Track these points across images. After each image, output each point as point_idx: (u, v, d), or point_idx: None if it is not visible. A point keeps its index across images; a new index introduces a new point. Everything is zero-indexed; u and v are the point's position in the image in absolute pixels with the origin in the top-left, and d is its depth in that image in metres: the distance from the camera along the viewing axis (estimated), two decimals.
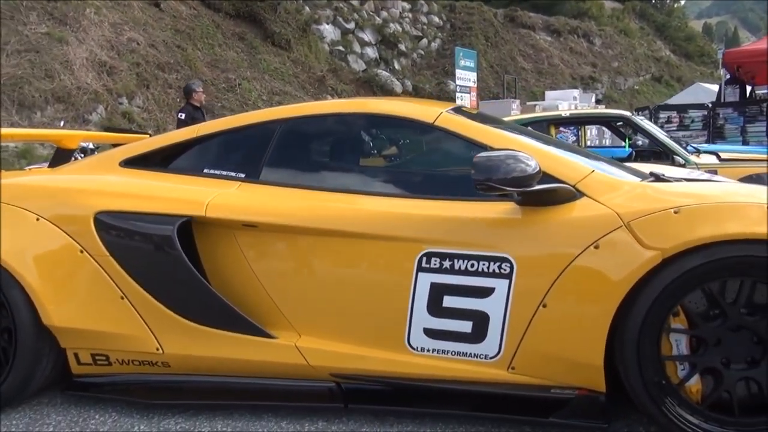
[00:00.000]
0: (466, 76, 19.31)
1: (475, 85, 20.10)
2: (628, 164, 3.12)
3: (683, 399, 1.93)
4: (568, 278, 1.96)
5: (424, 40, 24.52)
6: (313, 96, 18.96)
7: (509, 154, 1.96)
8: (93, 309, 2.29)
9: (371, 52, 22.78)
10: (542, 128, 5.14)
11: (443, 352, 2.11)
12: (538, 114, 5.71)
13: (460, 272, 2.06)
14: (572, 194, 2.06)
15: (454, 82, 19.02)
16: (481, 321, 2.05)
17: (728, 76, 10.28)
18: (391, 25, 23.49)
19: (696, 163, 4.95)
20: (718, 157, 5.09)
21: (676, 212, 1.92)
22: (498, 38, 25.50)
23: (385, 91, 21.45)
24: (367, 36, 22.73)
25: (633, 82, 26.95)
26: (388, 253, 2.14)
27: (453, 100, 18.95)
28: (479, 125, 2.32)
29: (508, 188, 1.93)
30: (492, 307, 2.03)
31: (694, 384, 1.94)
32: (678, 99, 18.17)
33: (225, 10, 18.63)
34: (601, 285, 1.93)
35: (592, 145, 8.40)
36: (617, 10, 31.21)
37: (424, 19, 24.60)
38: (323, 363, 2.20)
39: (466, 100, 18.08)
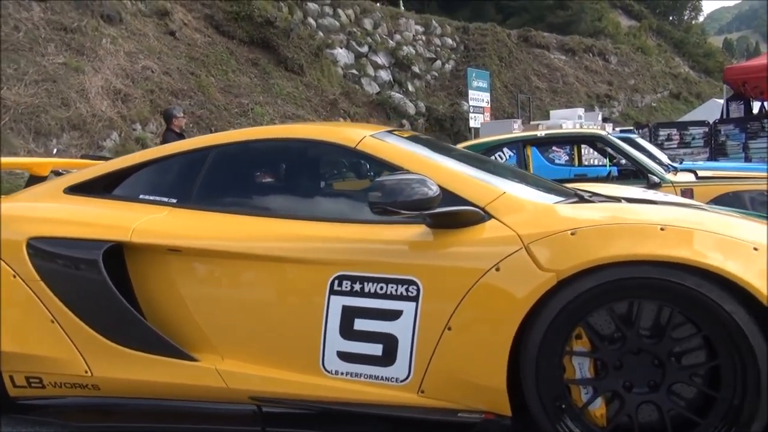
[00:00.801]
0: (479, 97, 19.39)
1: (489, 105, 20.15)
2: (575, 185, 3.12)
3: (585, 423, 1.90)
4: (470, 301, 1.96)
5: (438, 62, 24.70)
6: (326, 119, 19.20)
7: (409, 177, 1.98)
8: (25, 332, 2.35)
9: (385, 75, 23.01)
10: (518, 148, 5.14)
11: (357, 375, 2.12)
12: (513, 135, 5.72)
13: (369, 295, 2.08)
14: (480, 216, 2.07)
15: (467, 102, 19.12)
16: (390, 344, 2.06)
17: (731, 93, 10.14)
18: (405, 47, 23.73)
19: (672, 182, 4.89)
20: (696, 175, 5.03)
21: (572, 234, 1.92)
22: (512, 58, 25.57)
23: (399, 113, 21.62)
24: (381, 59, 22.98)
25: (650, 99, 26.69)
26: (303, 277, 2.17)
27: (467, 120, 19.00)
28: (402, 150, 2.35)
29: (404, 211, 1.95)
30: (400, 330, 2.05)
31: (599, 408, 1.91)
32: (693, 115, 17.96)
33: (239, 37, 19.04)
34: (500, 308, 1.94)
35: (588, 163, 8.34)
36: (634, 27, 31.07)
37: (437, 41, 24.81)
38: (241, 386, 2.23)
39: (479, 120, 18.14)
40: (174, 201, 2.47)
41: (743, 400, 1.78)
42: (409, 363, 2.05)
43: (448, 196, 2.13)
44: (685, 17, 35.78)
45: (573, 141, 5.80)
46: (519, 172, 2.95)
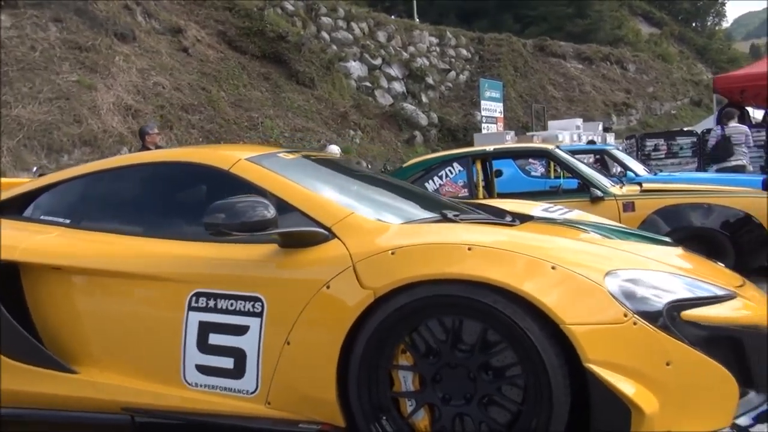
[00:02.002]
0: (491, 107, 19.42)
1: (501, 116, 20.14)
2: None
3: None
4: (304, 317, 2.07)
5: (452, 73, 24.77)
6: (336, 131, 19.43)
7: (248, 200, 2.09)
8: None
9: (398, 87, 23.18)
10: (467, 164, 5.20)
11: (213, 387, 2.23)
12: (462, 150, 5.78)
13: (222, 311, 2.20)
14: (324, 236, 2.17)
15: (480, 113, 19.17)
16: (240, 358, 2.17)
17: (725, 102, 10.00)
18: (419, 59, 23.88)
19: (614, 195, 4.89)
20: (641, 187, 5.02)
21: (392, 253, 2.01)
22: (527, 68, 25.51)
23: (410, 124, 21.72)
24: (394, 71, 23.17)
25: (670, 106, 26.29)
26: (165, 293, 2.30)
27: (480, 130, 19.04)
28: (269, 173, 2.43)
29: (239, 233, 2.06)
30: (248, 344, 2.15)
31: (421, 419, 1.99)
32: (709, 122, 17.66)
33: (251, 52, 19.42)
34: (328, 324, 2.03)
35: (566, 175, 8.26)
36: (655, 35, 30.67)
37: (452, 52, 24.89)
38: (114, 397, 2.36)
39: (492, 130, 18.14)
40: (68, 222, 2.63)
41: (539, 413, 1.84)
42: (257, 376, 2.15)
43: (302, 217, 2.24)
44: (709, 23, 35.20)
45: (521, 156, 5.84)
46: (409, 191, 3.04)
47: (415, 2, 26.66)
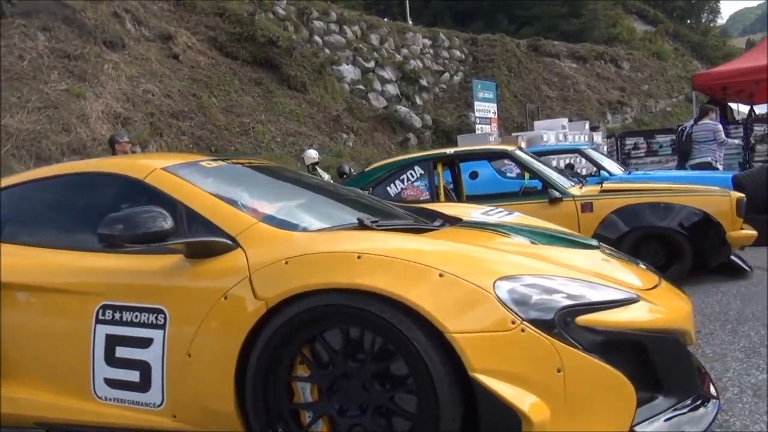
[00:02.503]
0: (485, 108, 19.38)
1: (495, 116, 20.10)
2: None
3: None
4: (203, 329, 2.05)
5: (446, 74, 24.74)
6: (328, 135, 19.43)
7: (146, 211, 2.07)
8: None
9: (392, 89, 23.17)
10: (427, 167, 5.17)
11: (122, 401, 2.21)
12: (424, 153, 5.74)
13: (127, 324, 2.18)
14: (227, 246, 2.15)
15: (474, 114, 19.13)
16: (145, 371, 2.15)
17: (707, 99, 9.94)
18: (412, 61, 23.87)
19: (573, 195, 4.86)
20: (601, 188, 4.99)
21: (286, 263, 1.99)
22: (521, 68, 25.46)
23: (404, 127, 21.70)
24: (388, 73, 23.16)
25: (665, 104, 26.19)
26: (74, 306, 2.28)
27: (474, 131, 19.00)
28: (186, 184, 2.40)
29: (133, 244, 2.04)
30: (152, 357, 2.13)
31: (320, 431, 1.97)
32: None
33: (242, 58, 19.45)
34: (225, 336, 2.01)
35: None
36: (649, 32, 30.56)
37: (445, 53, 24.88)
38: (27, 412, 2.35)
39: (486, 131, 18.09)
40: None
41: (429, 423, 1.82)
42: (162, 389, 2.13)
43: (210, 226, 2.22)
44: (703, 20, 35.05)
45: (482, 157, 5.81)
46: (338, 197, 3.02)
47: (408, 4, 26.65)
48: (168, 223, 2.06)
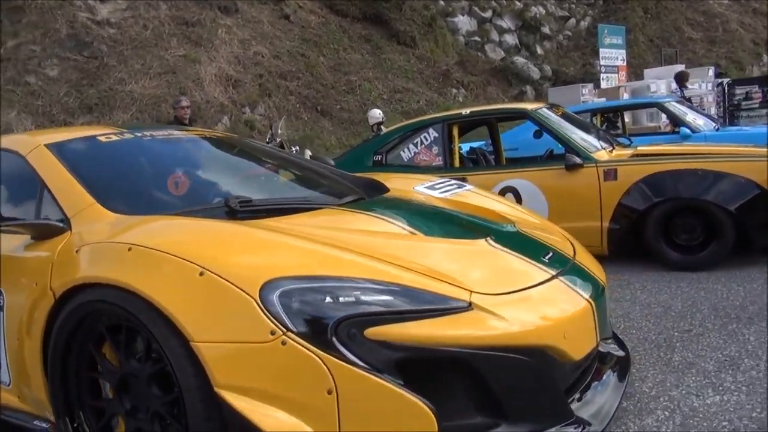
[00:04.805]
0: (612, 55, 17.83)
1: (624, 64, 18.40)
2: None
3: None
4: (24, 315, 2.01)
5: (572, 20, 22.93)
6: (437, 91, 18.95)
7: None
8: None
9: (510, 39, 21.99)
10: (441, 129, 4.74)
11: None
12: (438, 115, 5.22)
13: None
14: (59, 228, 2.09)
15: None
16: None
17: None
18: (533, 8, 22.37)
19: (596, 161, 4.19)
20: (635, 150, 4.27)
21: (77, 251, 1.89)
22: (660, 8, 22.88)
23: (521, 79, 20.57)
24: (506, 23, 21.96)
25: None
26: None
27: (599, 81, 17.58)
28: (56, 164, 2.32)
29: None
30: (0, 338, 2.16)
31: (118, 427, 1.88)
32: None
33: (352, 15, 19.43)
34: (33, 324, 1.97)
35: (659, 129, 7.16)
36: None
37: None
38: None
39: (613, 80, 16.68)
40: None
41: None
42: (7, 369, 2.16)
43: (58, 207, 2.19)
44: None
45: (497, 118, 5.16)
46: (254, 171, 2.87)
47: None
48: None
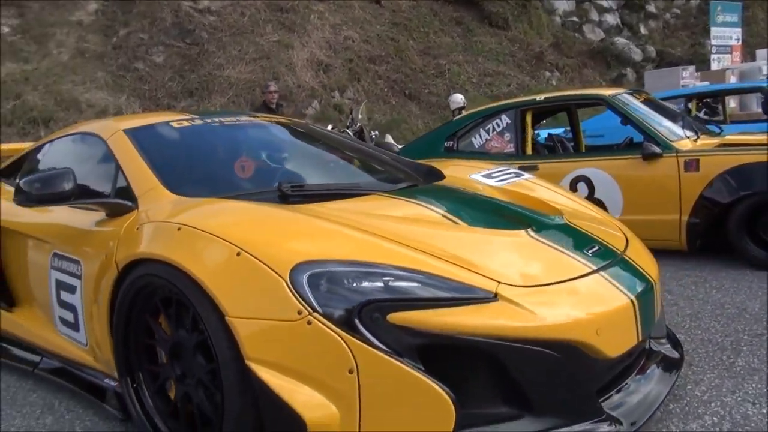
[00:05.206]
0: (725, 34, 16.69)
1: (739, 43, 17.15)
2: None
3: (158, 400, 2.07)
4: (97, 284, 2.23)
5: None
6: (529, 74, 18.44)
7: (56, 173, 2.28)
8: None
9: (611, 19, 21.00)
10: (513, 115, 4.63)
11: (69, 337, 2.55)
12: (510, 101, 5.03)
13: (64, 271, 2.49)
14: (127, 207, 2.29)
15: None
16: (76, 313, 2.45)
17: None
18: None
19: (676, 150, 3.94)
20: (722, 143, 3.95)
21: (137, 229, 2.06)
22: None
23: (621, 61, 19.61)
24: (607, 1, 20.96)
25: None
26: (40, 253, 2.66)
27: (709, 62, 16.51)
28: (130, 148, 2.52)
29: (41, 204, 2.27)
30: (77, 302, 2.42)
31: (171, 390, 2.06)
32: None
33: None
34: (100, 292, 2.18)
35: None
36: None
37: None
38: (27, 337, 2.84)
39: (725, 61, 15.62)
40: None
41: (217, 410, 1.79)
42: (85, 331, 2.40)
43: (130, 187, 2.40)
44: None
45: (573, 105, 4.88)
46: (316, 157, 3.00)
47: None
48: (68, 186, 2.24)
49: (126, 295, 2.05)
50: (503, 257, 1.97)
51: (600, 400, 1.88)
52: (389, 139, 8.80)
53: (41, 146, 3.22)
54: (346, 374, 1.63)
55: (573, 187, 4.28)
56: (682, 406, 2.13)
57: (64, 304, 2.52)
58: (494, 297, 1.74)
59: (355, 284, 1.69)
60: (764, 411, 2.06)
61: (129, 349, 2.12)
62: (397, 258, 1.80)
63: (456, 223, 2.19)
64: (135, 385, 2.12)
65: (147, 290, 2.00)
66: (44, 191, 2.23)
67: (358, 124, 8.35)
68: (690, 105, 6.97)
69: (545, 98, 4.79)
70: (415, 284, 1.72)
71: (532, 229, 2.15)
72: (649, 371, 2.10)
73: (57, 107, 13.46)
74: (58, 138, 3.13)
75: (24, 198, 2.25)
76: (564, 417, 1.77)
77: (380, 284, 1.70)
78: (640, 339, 2.00)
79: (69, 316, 2.49)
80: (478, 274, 1.81)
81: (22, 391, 2.74)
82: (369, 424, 1.65)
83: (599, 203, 4.19)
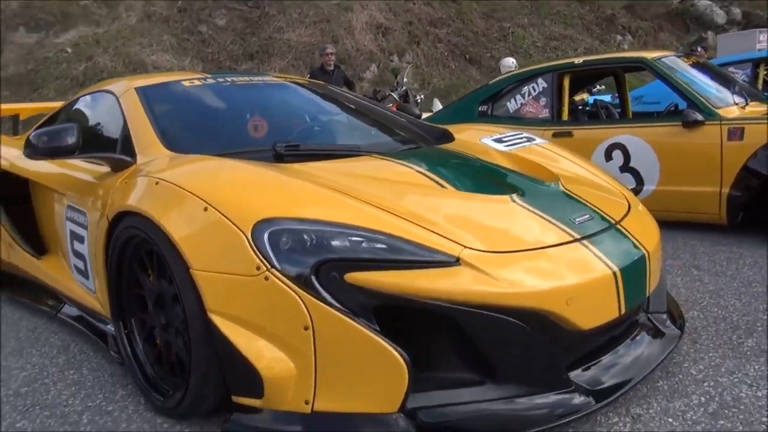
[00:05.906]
0: None
1: None
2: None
3: (145, 347, 2.17)
4: (94, 235, 2.34)
5: None
6: (599, 38, 17.59)
7: (62, 128, 2.38)
8: None
9: None
10: (550, 79, 4.42)
11: (82, 284, 2.70)
12: (548, 64, 4.76)
13: (75, 222, 2.62)
14: (127, 162, 2.37)
15: None
16: (85, 262, 2.57)
17: None
18: None
19: (721, 117, 3.66)
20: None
21: (126, 182, 2.13)
22: None
23: (701, 24, 18.39)
24: None
25: None
26: (61, 205, 2.80)
27: None
28: (138, 107, 2.58)
29: (47, 157, 2.37)
30: (85, 251, 2.54)
31: (158, 337, 2.14)
32: None
33: None
34: (97, 242, 2.27)
35: None
36: None
37: None
38: (50, 283, 3.01)
39: None
40: None
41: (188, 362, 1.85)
42: (93, 278, 2.53)
43: (131, 144, 2.48)
44: None
45: (614, 68, 4.55)
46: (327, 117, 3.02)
47: None
48: (72, 140, 2.33)
49: (115, 247, 2.14)
50: (478, 222, 1.91)
51: (574, 371, 1.83)
52: (437, 103, 8.64)
53: (70, 104, 3.36)
54: (302, 331, 1.64)
55: (608, 156, 4.09)
56: (671, 384, 2.03)
57: (76, 254, 2.65)
58: (456, 261, 1.70)
59: (315, 243, 1.69)
60: (760, 394, 1.93)
61: (121, 297, 2.22)
62: (363, 218, 1.78)
63: (442, 186, 2.14)
64: (127, 331, 2.22)
65: (134, 242, 2.08)
66: (50, 144, 2.33)
67: (404, 88, 8.24)
68: (758, 70, 6.47)
69: (584, 61, 4.55)
70: (376, 245, 1.70)
71: (518, 195, 2.07)
72: (633, 346, 2.00)
73: (125, 69, 13.97)
74: (82, 95, 3.25)
75: (32, 151, 2.36)
76: (528, 386, 1.73)
77: (340, 244, 1.69)
78: (623, 312, 1.90)
79: (81, 265, 2.62)
80: (445, 237, 1.77)
81: (45, 332, 2.93)
82: (324, 380, 1.67)
83: (635, 173, 4.00)
